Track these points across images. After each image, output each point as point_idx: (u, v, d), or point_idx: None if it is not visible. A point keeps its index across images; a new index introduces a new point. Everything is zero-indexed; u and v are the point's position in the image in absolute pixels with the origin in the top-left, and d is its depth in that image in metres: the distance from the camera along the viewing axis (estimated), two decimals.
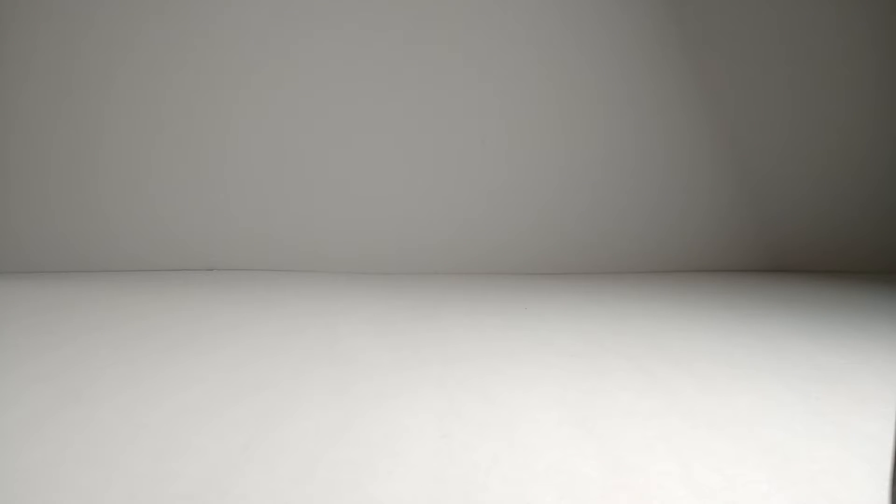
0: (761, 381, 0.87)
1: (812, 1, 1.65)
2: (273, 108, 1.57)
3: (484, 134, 1.63)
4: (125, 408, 0.74)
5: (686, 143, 1.68)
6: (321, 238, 1.62)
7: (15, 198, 1.52)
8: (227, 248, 1.60)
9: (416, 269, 1.63)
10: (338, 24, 1.55)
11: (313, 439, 0.66)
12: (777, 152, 1.70)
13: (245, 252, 1.60)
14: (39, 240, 1.53)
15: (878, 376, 0.90)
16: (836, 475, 0.61)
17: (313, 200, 1.61)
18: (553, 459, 0.63)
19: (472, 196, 1.64)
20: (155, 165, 1.56)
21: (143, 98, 1.53)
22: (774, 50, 1.66)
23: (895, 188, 1.73)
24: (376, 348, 0.98)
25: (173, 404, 0.75)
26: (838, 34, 1.67)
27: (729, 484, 0.59)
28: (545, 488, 0.58)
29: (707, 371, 0.90)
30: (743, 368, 0.92)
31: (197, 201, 1.58)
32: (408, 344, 1.01)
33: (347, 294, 1.38)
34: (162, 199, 1.57)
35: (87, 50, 1.50)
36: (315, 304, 1.29)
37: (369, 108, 1.59)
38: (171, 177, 1.56)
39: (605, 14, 1.62)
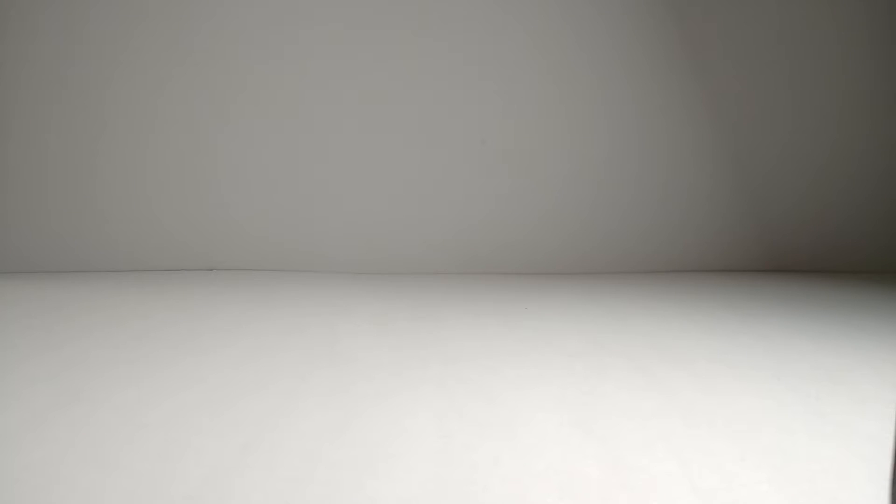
0: (761, 381, 0.87)
1: (812, 1, 1.65)
2: (273, 108, 1.57)
3: (484, 134, 1.63)
4: (125, 408, 0.74)
5: (686, 142, 1.68)
6: (321, 238, 1.62)
7: (15, 198, 1.52)
8: (227, 248, 1.60)
9: (416, 269, 1.63)
10: (338, 23, 1.55)
11: (313, 439, 0.66)
12: (777, 152, 1.70)
13: (245, 252, 1.60)
14: (39, 240, 1.53)
15: (878, 376, 0.90)
16: (836, 475, 0.61)
17: (313, 200, 1.61)
18: (553, 459, 0.63)
19: (473, 196, 1.64)
20: (154, 165, 1.56)
21: (143, 97, 1.53)
22: (774, 50, 1.66)
23: (894, 188, 1.73)
24: (376, 348, 0.98)
25: (173, 404, 0.75)
26: (838, 34, 1.67)
27: (729, 484, 0.59)
28: (545, 488, 0.58)
29: (707, 371, 0.90)
30: (743, 368, 0.92)
31: (197, 201, 1.57)
32: (408, 344, 1.01)
33: (347, 294, 1.38)
34: (162, 199, 1.56)
35: (86, 49, 1.50)
36: (315, 304, 1.29)
37: (369, 107, 1.59)
38: (170, 177, 1.56)
39: (606, 14, 1.62)
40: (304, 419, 0.71)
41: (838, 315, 1.24)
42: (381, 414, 0.73)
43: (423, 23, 1.57)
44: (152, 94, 1.53)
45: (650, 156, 1.67)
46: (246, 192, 1.59)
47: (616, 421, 0.72)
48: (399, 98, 1.59)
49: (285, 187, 1.59)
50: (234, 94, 1.55)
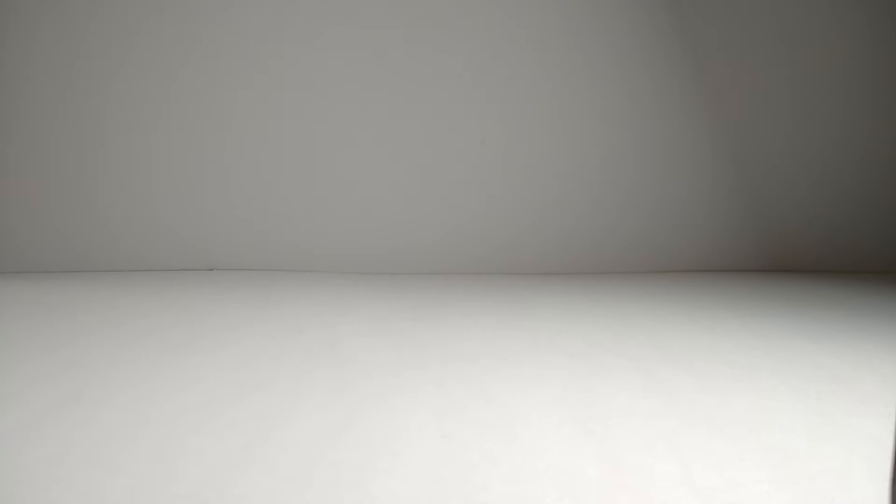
0: (761, 381, 0.87)
1: (812, 2, 1.65)
2: (273, 109, 1.57)
3: (484, 134, 1.63)
4: (125, 408, 0.74)
5: (686, 142, 1.68)
6: (321, 238, 1.62)
7: (15, 198, 1.52)
8: (227, 248, 1.60)
9: (416, 269, 1.63)
10: (338, 24, 1.55)
11: (313, 439, 0.66)
12: (777, 152, 1.70)
13: (245, 252, 1.60)
14: (39, 240, 1.53)
15: (878, 376, 0.90)
16: (836, 475, 0.61)
17: (313, 200, 1.61)
18: (553, 459, 0.63)
19: (472, 196, 1.64)
20: (155, 165, 1.56)
21: (143, 98, 1.53)
22: (774, 50, 1.66)
23: (895, 188, 1.73)
24: (376, 348, 0.98)
25: (173, 404, 0.75)
26: (838, 35, 1.67)
27: (729, 484, 0.59)
28: (545, 488, 0.58)
29: (707, 371, 0.90)
30: (743, 368, 0.92)
31: (197, 201, 1.58)
32: (408, 344, 1.01)
33: (347, 294, 1.38)
34: (162, 199, 1.57)
35: (87, 50, 1.50)
36: (315, 304, 1.29)
37: (369, 108, 1.59)
38: (171, 177, 1.56)
39: (605, 14, 1.62)
40: (304, 419, 0.71)
41: (838, 315, 1.24)
42: (381, 414, 0.73)
43: (423, 24, 1.57)
44: (153, 94, 1.53)
45: (650, 156, 1.67)
46: (246, 192, 1.59)
47: (616, 421, 0.72)
48: (399, 99, 1.59)
49: (285, 187, 1.59)
50: (235, 94, 1.55)
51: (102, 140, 1.53)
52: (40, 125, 1.50)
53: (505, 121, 1.63)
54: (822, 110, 1.69)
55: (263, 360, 0.92)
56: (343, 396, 0.78)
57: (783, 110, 1.68)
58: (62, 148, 1.52)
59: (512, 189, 1.65)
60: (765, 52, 1.66)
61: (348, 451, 0.64)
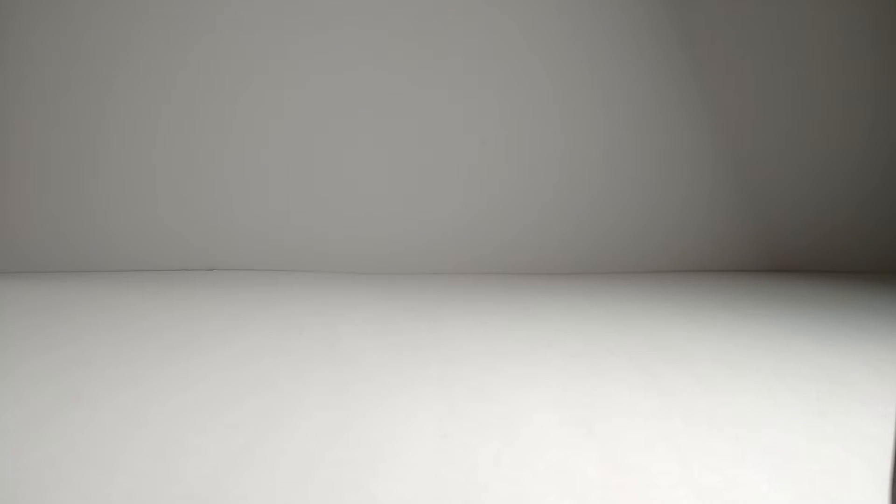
0: (761, 381, 0.87)
1: (813, 1, 1.65)
2: (273, 109, 1.57)
3: (484, 134, 1.63)
4: (125, 408, 0.74)
5: (686, 142, 1.68)
6: (321, 238, 1.62)
7: (15, 198, 1.52)
8: (227, 248, 1.60)
9: (416, 269, 1.63)
10: (338, 24, 1.55)
11: (313, 439, 0.66)
12: (777, 152, 1.70)
13: (245, 252, 1.60)
14: (39, 240, 1.53)
15: (878, 376, 0.90)
16: (836, 475, 0.61)
17: (313, 200, 1.61)
18: (553, 459, 0.63)
19: (472, 196, 1.64)
20: (155, 165, 1.56)
21: (144, 98, 1.53)
22: (775, 50, 1.66)
23: (894, 188, 1.73)
24: (376, 348, 0.98)
25: (173, 404, 0.75)
26: (838, 34, 1.67)
27: (729, 484, 0.59)
28: (545, 488, 0.58)
29: (707, 371, 0.90)
30: (743, 368, 0.92)
31: (197, 201, 1.57)
32: (408, 344, 1.01)
33: (347, 294, 1.38)
34: (162, 199, 1.56)
35: (88, 49, 1.50)
36: (315, 304, 1.29)
37: (369, 108, 1.59)
38: (171, 177, 1.56)
39: (605, 13, 1.62)
40: (305, 419, 0.71)
41: (838, 315, 1.24)
42: (382, 414, 0.73)
43: (422, 24, 1.57)
44: (153, 94, 1.53)
45: (650, 156, 1.67)
46: (246, 192, 1.59)
47: (616, 421, 0.72)
48: (399, 98, 1.59)
49: (285, 187, 1.59)
50: (235, 94, 1.55)
51: (103, 140, 1.53)
52: (40, 125, 1.50)
53: (505, 121, 1.63)
54: (823, 110, 1.69)
55: (263, 360, 0.92)
56: (343, 396, 0.78)
57: (783, 110, 1.68)
58: (62, 148, 1.52)
59: (512, 189, 1.64)
60: (765, 51, 1.65)
61: (348, 451, 0.64)
